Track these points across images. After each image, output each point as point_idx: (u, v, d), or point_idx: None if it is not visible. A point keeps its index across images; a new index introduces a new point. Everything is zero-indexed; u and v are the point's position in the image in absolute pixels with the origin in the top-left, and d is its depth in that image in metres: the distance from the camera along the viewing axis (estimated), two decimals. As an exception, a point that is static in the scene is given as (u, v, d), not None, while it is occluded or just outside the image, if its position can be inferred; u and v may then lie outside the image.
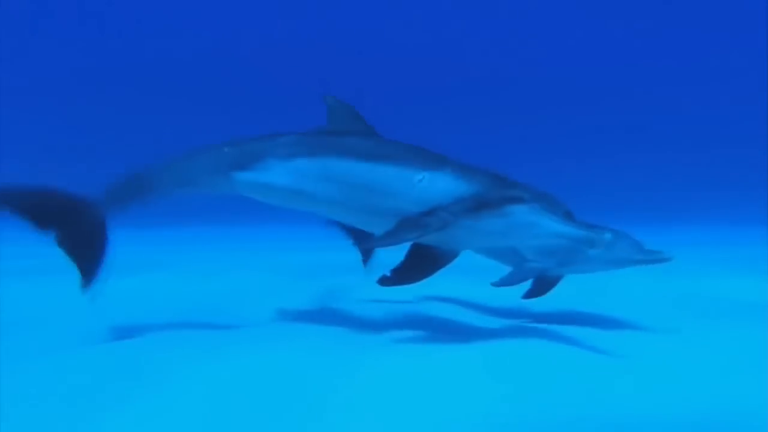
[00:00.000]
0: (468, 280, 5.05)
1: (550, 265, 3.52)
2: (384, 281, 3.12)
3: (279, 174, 3.18)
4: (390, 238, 2.93)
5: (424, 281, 3.19)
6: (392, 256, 3.16)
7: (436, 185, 2.94)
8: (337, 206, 3.17)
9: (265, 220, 11.73)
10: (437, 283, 3.64)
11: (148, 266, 6.39)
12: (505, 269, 3.73)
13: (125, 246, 3.61)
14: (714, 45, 28.29)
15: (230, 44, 28.55)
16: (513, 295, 3.87)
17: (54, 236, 3.04)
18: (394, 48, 28.59)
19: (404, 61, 28.36)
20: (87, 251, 3.12)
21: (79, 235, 3.10)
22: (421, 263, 3.14)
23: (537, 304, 3.96)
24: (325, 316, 3.95)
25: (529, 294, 3.79)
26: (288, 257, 8.09)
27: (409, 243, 3.08)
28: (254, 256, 8.19)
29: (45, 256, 3.91)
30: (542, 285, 3.76)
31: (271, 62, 28.88)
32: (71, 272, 3.01)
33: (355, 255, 4.33)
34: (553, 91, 28.26)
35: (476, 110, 28.41)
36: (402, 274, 3.13)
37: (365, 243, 3.84)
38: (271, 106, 26.07)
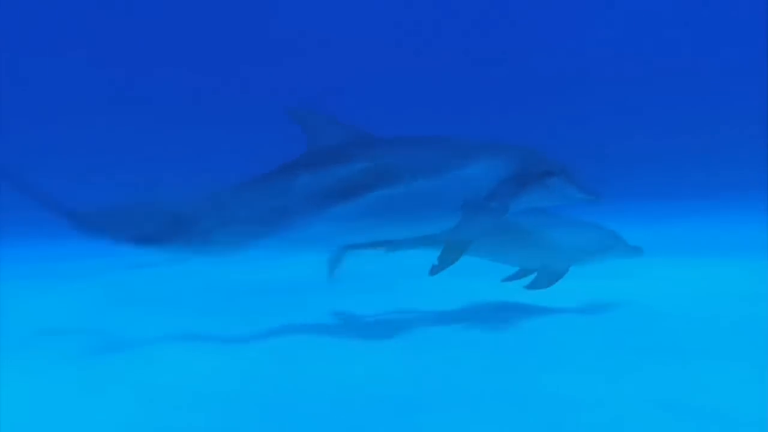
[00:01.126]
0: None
1: (579, 260, 3.63)
2: (434, 270, 3.31)
3: (308, 226, 2.96)
4: (467, 229, 3.10)
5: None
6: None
7: (480, 171, 3.07)
8: (379, 230, 3.11)
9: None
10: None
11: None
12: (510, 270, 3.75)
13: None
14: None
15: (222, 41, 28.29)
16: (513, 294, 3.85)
17: None
18: (389, 45, 28.48)
19: (398, 57, 28.26)
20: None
21: None
22: (455, 244, 3.26)
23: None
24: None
25: (534, 285, 3.69)
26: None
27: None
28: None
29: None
30: (548, 276, 3.67)
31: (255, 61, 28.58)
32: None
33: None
34: (550, 84, 28.19)
35: (470, 106, 28.33)
36: (445, 258, 3.28)
37: (446, 240, 3.41)
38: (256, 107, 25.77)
